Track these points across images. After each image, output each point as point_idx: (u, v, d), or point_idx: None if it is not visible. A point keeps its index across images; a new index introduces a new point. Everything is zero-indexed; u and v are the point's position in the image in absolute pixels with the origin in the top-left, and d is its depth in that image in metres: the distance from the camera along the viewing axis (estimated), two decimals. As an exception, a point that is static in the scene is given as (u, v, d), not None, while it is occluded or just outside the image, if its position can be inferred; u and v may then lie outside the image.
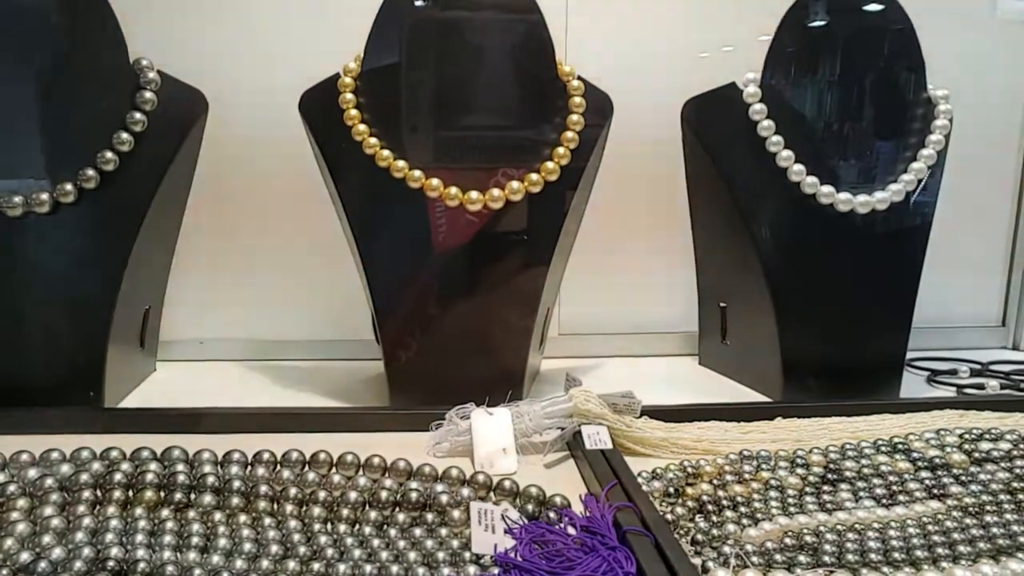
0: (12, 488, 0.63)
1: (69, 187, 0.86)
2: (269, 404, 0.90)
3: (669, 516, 0.63)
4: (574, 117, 0.88)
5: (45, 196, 0.85)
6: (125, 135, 0.87)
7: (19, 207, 0.85)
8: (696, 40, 1.13)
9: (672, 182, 1.07)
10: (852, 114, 0.92)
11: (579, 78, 0.89)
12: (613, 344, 1.15)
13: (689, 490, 0.66)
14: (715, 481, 0.68)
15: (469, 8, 0.87)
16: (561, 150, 0.87)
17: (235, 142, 1.05)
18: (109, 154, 0.86)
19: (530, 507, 0.64)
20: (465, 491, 0.65)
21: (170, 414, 0.84)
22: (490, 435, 0.74)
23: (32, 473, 0.67)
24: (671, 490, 0.67)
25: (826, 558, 0.57)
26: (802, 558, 0.57)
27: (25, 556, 0.55)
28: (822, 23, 0.92)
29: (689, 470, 0.70)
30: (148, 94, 0.88)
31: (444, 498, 0.63)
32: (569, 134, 0.88)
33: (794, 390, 0.93)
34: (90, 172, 0.86)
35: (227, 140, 1.02)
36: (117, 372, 0.92)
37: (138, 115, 0.87)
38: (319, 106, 0.89)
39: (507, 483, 0.66)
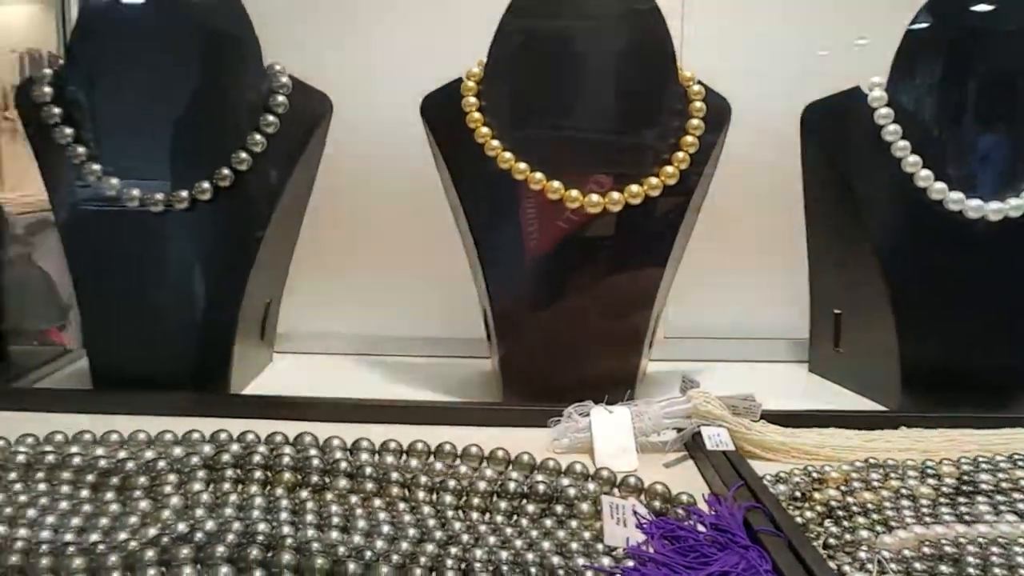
0: (162, 464, 0.67)
1: (206, 185, 0.90)
2: (381, 397, 0.92)
3: (798, 519, 0.62)
4: (694, 122, 0.88)
5: (184, 193, 0.90)
6: (258, 136, 0.91)
7: (160, 204, 0.90)
8: (814, 42, 1.12)
9: (785, 186, 1.06)
10: (984, 117, 0.89)
11: (699, 82, 0.90)
12: (719, 348, 1.14)
13: (816, 495, 0.66)
14: (842, 487, 0.67)
15: (592, 14, 0.88)
16: (680, 155, 0.87)
17: (356, 142, 1.09)
18: (243, 154, 0.90)
19: (657, 504, 0.64)
20: (591, 486, 0.66)
21: (294, 402, 0.87)
22: (610, 432, 0.75)
23: (178, 451, 0.71)
24: (797, 494, 0.66)
25: (971, 570, 0.55)
26: (943, 568, 0.55)
27: (182, 526, 0.59)
28: (954, 22, 0.89)
29: (814, 475, 0.69)
30: (280, 97, 0.92)
31: (572, 491, 0.64)
32: (689, 139, 0.88)
33: (913, 400, 0.91)
34: (225, 171, 0.90)
35: (349, 140, 1.05)
36: (240, 362, 0.96)
37: (271, 117, 0.91)
38: (441, 109, 0.91)
39: (631, 479, 0.66)
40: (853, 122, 0.92)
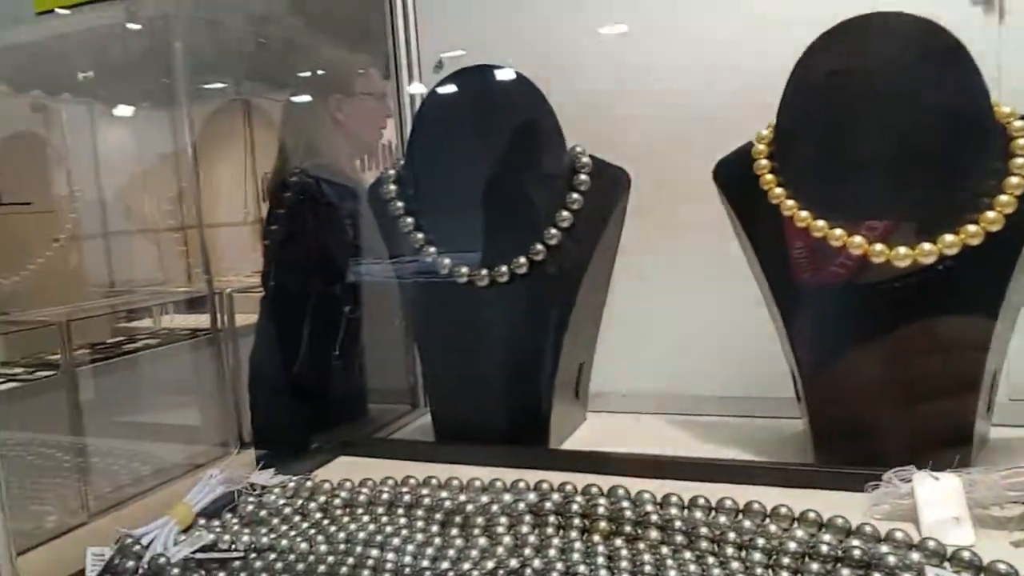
0: (495, 508, 0.77)
1: (523, 260, 1.01)
2: (688, 455, 0.95)
3: None
4: (1019, 161, 0.80)
5: (504, 268, 1.02)
6: (565, 213, 1.00)
7: (485, 278, 1.03)
8: None
9: None
10: None
11: (1022, 118, 0.82)
12: (1076, 413, 0.99)
13: None
14: None
15: (890, 58, 0.86)
16: (1004, 198, 0.80)
17: (659, 207, 1.14)
18: (553, 230, 1.00)
19: (996, 584, 0.59)
20: (915, 556, 0.62)
21: (606, 457, 0.94)
22: (938, 501, 0.70)
23: (507, 497, 0.80)
24: None
25: None
26: None
27: (514, 562, 0.67)
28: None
29: None
30: (583, 176, 1.01)
31: (892, 559, 0.61)
32: (1014, 180, 0.80)
33: None
34: (538, 247, 1.00)
35: (652, 205, 1.11)
36: (557, 420, 1.05)
37: (575, 195, 1.01)
38: (734, 173, 0.94)
39: (966, 554, 0.61)
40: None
